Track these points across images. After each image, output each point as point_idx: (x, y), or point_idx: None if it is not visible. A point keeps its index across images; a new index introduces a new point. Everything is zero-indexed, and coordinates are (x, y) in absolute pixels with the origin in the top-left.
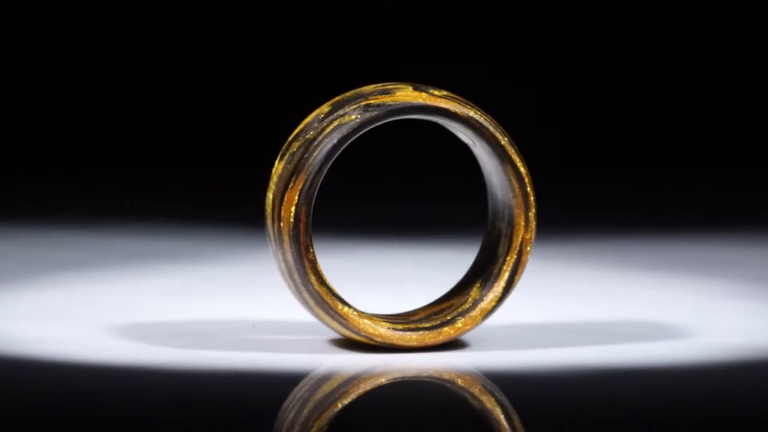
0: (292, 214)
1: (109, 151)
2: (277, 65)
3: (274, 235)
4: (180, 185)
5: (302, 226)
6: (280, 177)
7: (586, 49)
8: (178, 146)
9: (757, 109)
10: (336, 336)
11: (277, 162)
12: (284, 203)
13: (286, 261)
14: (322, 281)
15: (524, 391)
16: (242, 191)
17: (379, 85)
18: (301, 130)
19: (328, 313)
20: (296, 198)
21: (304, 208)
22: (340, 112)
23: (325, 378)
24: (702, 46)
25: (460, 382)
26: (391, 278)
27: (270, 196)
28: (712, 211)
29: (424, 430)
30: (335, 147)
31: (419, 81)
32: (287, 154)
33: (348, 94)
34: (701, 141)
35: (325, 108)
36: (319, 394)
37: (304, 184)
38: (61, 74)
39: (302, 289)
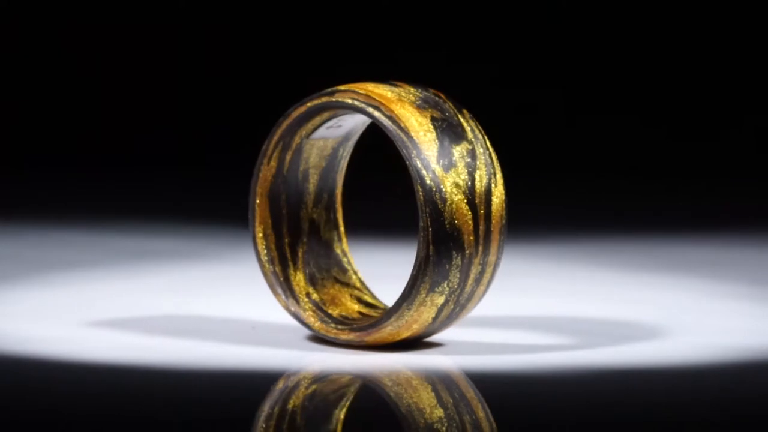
0: (503, 210)
1: (108, 150)
2: (274, 66)
3: (477, 236)
4: (179, 184)
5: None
6: (473, 185)
7: (586, 46)
8: (178, 145)
9: (757, 112)
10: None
11: (447, 173)
12: (492, 203)
13: (486, 263)
14: None
15: (523, 392)
16: (242, 189)
17: (387, 83)
18: (458, 131)
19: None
20: (503, 193)
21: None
22: (452, 109)
23: (438, 379)
24: (703, 48)
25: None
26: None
27: (453, 200)
28: (713, 211)
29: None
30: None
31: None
32: (463, 160)
33: (413, 94)
34: (701, 141)
35: (429, 112)
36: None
37: (504, 181)
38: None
39: (483, 285)
